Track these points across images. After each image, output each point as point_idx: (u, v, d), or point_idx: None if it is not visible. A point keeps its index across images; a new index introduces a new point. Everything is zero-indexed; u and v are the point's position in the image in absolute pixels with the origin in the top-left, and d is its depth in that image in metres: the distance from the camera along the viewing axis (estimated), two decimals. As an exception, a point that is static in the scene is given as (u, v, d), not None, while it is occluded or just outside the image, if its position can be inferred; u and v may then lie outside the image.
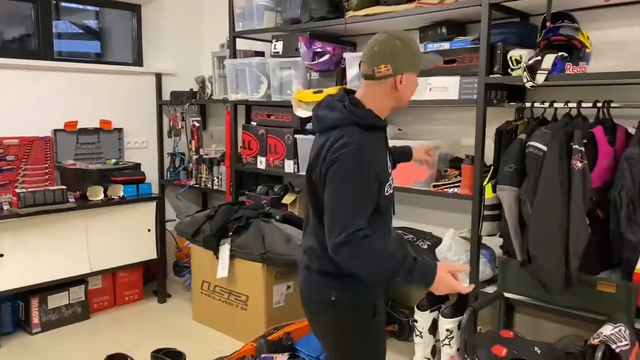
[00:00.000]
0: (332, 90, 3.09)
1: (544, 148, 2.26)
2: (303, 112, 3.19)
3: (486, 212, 2.53)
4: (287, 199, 3.59)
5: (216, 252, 3.25)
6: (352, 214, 1.53)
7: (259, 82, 3.53)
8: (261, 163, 3.64)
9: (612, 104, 2.33)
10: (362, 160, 1.55)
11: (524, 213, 2.35)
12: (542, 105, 2.52)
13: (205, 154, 4.23)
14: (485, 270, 2.71)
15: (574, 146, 2.20)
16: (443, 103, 2.72)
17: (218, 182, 4.02)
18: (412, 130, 3.26)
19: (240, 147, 3.82)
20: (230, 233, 3.21)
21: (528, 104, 2.58)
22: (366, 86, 1.68)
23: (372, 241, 1.52)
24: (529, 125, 2.49)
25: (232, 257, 3.20)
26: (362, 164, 1.55)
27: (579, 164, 2.19)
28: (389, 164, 1.72)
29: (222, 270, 3.19)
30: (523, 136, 2.42)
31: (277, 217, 3.17)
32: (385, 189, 1.65)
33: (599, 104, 2.35)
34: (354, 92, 1.74)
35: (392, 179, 1.72)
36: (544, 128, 2.34)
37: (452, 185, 2.75)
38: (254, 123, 3.74)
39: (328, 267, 1.65)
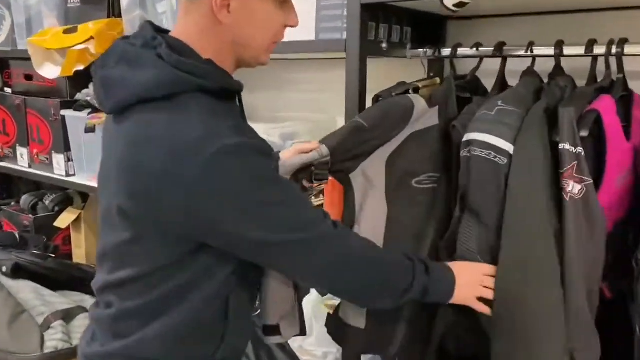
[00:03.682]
0: (96, 25, 1.67)
1: (508, 148, 0.99)
2: (49, 69, 1.76)
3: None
4: (65, 218, 2.15)
5: None
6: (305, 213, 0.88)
7: (-4, 17, 2.03)
8: (23, 158, 2.18)
9: (628, 47, 1.07)
10: (258, 155, 0.82)
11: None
12: (477, 53, 1.24)
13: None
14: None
15: (562, 145, 0.95)
16: (291, 50, 1.35)
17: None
18: (260, 104, 1.90)
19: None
20: None
21: (447, 51, 1.28)
22: (183, 14, 0.88)
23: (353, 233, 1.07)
24: (445, 89, 1.19)
25: None
26: (261, 159, 0.83)
27: (577, 187, 0.94)
28: None
29: None
30: (421, 102, 1.14)
31: (4, 270, 1.73)
32: None
33: (600, 48, 1.09)
34: (165, 30, 0.92)
35: None
36: (500, 102, 1.03)
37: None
38: (8, 90, 2.24)
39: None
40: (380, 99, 1.27)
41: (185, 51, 0.83)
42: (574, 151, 0.95)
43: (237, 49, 0.88)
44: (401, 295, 0.93)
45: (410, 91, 1.29)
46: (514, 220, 0.99)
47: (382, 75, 1.40)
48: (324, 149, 1.10)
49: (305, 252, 0.85)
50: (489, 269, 1.01)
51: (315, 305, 1.46)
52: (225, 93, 0.85)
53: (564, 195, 0.96)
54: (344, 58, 1.24)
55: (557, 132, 0.97)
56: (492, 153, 0.98)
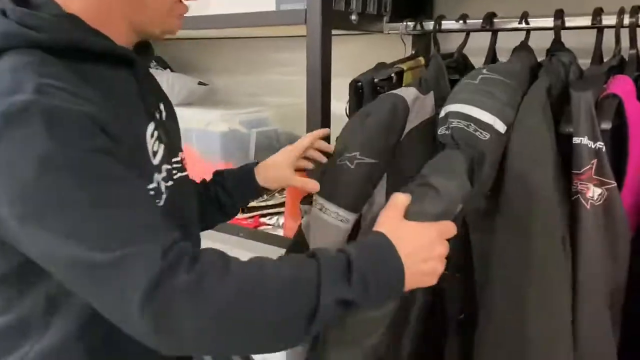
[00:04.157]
0: None
1: (493, 122, 0.80)
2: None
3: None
4: None
5: None
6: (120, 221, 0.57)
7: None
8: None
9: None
10: (66, 124, 0.56)
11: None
12: (463, 26, 1.06)
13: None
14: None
15: (578, 140, 0.77)
16: (247, 22, 1.17)
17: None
18: (226, 86, 1.73)
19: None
20: None
21: (430, 25, 1.10)
22: None
23: (221, 255, 0.60)
24: (435, 70, 1.01)
25: None
26: (70, 130, 0.56)
27: (597, 191, 0.76)
28: (158, 143, 0.71)
29: None
30: (412, 91, 0.94)
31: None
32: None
33: (609, 19, 0.90)
34: None
35: (167, 171, 0.72)
36: (486, 71, 0.86)
37: (274, 209, 1.27)
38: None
39: None
40: (359, 84, 1.09)
41: (42, 5, 0.64)
42: (594, 147, 0.77)
43: (128, 9, 0.68)
44: (305, 329, 0.60)
45: (393, 75, 1.12)
46: (520, 234, 0.81)
47: (359, 53, 1.22)
48: (349, 216, 0.89)
49: (108, 282, 0.54)
50: (445, 227, 0.70)
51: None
52: (75, 50, 0.62)
53: (582, 202, 0.78)
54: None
55: (568, 121, 0.79)
56: (472, 125, 0.80)
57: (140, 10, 0.68)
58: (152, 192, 0.66)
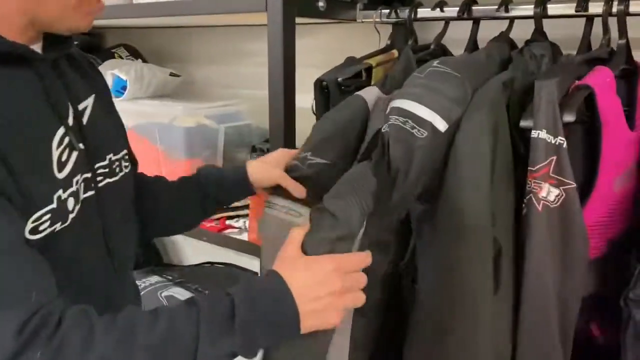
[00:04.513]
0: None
1: (432, 119, 0.71)
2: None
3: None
4: None
5: None
6: None
7: None
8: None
9: (635, 3, 0.79)
10: None
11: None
12: (441, 15, 0.97)
13: None
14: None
15: (536, 133, 0.69)
16: (200, 9, 1.06)
17: None
18: (202, 78, 1.64)
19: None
20: None
21: (405, 13, 1.02)
22: None
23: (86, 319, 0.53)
24: (403, 66, 0.92)
25: None
26: None
27: (554, 191, 0.69)
28: (68, 151, 0.62)
29: None
30: (374, 92, 0.86)
31: None
32: (40, 216, 0.57)
33: (596, 6, 0.81)
34: None
35: (85, 181, 0.65)
36: (437, 63, 0.76)
37: (242, 212, 1.19)
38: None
39: None
40: (324, 83, 1.01)
41: None
42: (553, 142, 0.69)
43: (29, 3, 0.58)
44: None
45: (363, 72, 1.03)
46: (445, 235, 0.75)
47: (336, 43, 1.13)
48: (301, 209, 0.82)
49: None
50: (344, 259, 0.63)
51: None
52: None
53: (534, 202, 0.71)
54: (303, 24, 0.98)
55: (529, 114, 0.72)
56: (409, 122, 0.71)
57: (42, 5, 0.59)
58: (48, 216, 0.58)
